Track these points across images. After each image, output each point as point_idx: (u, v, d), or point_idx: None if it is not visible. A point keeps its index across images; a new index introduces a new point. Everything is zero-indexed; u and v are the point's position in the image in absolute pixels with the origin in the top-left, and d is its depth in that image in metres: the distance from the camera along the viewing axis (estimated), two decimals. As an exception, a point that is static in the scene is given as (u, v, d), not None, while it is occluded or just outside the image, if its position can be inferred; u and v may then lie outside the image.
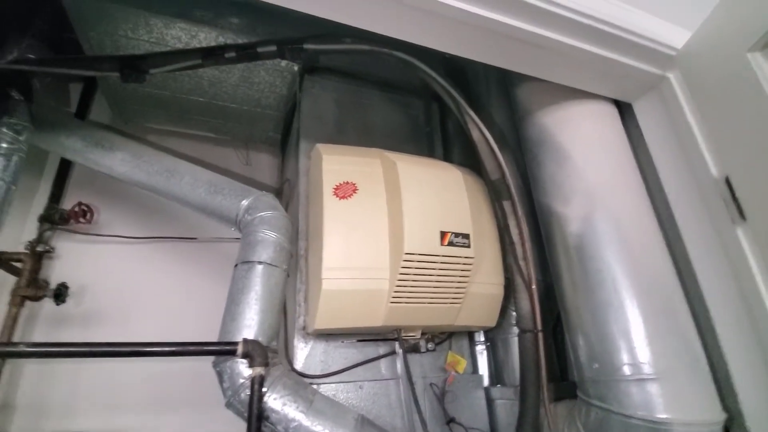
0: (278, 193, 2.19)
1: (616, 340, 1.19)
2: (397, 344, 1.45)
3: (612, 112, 1.50)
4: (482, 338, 1.77)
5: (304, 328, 1.42)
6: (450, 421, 1.44)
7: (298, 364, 1.37)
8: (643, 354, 1.14)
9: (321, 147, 1.45)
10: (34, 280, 1.59)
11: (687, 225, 1.30)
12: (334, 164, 1.36)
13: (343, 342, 1.43)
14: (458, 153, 2.03)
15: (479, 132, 1.49)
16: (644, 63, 1.33)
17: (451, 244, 1.25)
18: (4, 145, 1.43)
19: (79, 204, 1.85)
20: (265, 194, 1.45)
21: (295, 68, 1.86)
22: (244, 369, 1.11)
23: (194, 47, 1.58)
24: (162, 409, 1.84)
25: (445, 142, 2.08)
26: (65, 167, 1.95)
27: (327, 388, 1.37)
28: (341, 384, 1.40)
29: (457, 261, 1.27)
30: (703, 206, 1.25)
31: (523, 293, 1.41)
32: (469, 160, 1.76)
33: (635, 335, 1.16)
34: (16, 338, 1.55)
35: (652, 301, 1.19)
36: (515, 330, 1.64)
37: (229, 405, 1.12)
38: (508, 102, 1.83)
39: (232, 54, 1.44)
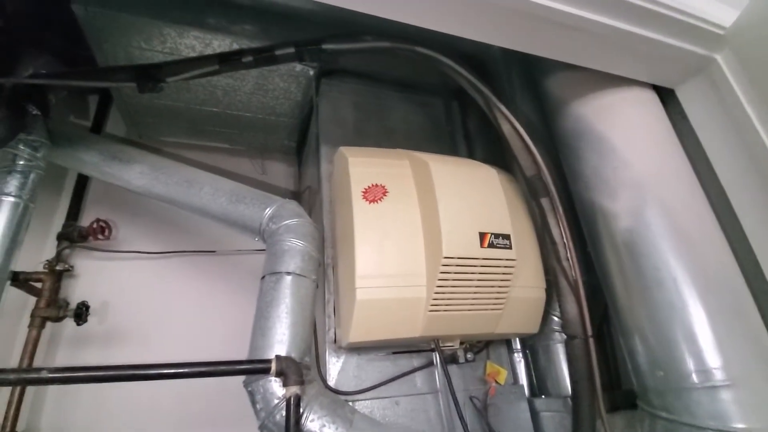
0: (297, 201, 2.14)
1: (680, 344, 1.08)
2: (434, 355, 1.36)
3: (653, 98, 1.41)
4: (519, 346, 1.67)
5: (335, 341, 1.34)
6: (495, 436, 1.34)
7: (331, 380, 1.29)
8: (713, 359, 1.03)
9: (345, 150, 1.38)
10: (54, 300, 1.53)
11: (747, 215, 1.19)
12: (361, 167, 1.29)
13: (377, 355, 1.35)
14: (481, 151, 1.95)
15: (511, 127, 1.41)
16: (690, 44, 1.24)
17: (491, 245, 1.17)
18: (22, 162, 1.39)
19: (97, 220, 1.80)
20: (289, 201, 1.38)
21: (311, 72, 1.81)
22: (277, 388, 1.04)
23: (210, 54, 1.53)
24: (187, 428, 1.77)
25: (468, 141, 2.01)
26: (82, 183, 1.92)
27: (362, 405, 1.28)
28: (377, 400, 1.31)
29: (498, 264, 1.18)
30: (765, 193, 1.15)
31: (568, 296, 1.31)
32: (492, 158, 1.68)
33: (702, 339, 1.05)
34: (38, 361, 1.50)
35: (718, 299, 1.08)
36: (558, 336, 1.54)
37: (263, 428, 1.04)
38: (534, 95, 1.75)
39: (250, 58, 1.39)
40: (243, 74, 1.79)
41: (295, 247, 1.23)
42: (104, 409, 1.67)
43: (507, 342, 1.61)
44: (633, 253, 1.19)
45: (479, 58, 1.90)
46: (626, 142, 1.31)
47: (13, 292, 1.42)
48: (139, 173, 1.43)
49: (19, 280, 1.45)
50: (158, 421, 1.73)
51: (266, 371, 0.99)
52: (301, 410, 1.00)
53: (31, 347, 1.45)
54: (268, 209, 1.33)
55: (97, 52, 1.62)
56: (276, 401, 1.02)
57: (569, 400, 1.41)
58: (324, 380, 1.28)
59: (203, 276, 2.04)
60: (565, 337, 1.52)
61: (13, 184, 1.36)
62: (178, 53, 1.64)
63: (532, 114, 1.73)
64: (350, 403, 1.23)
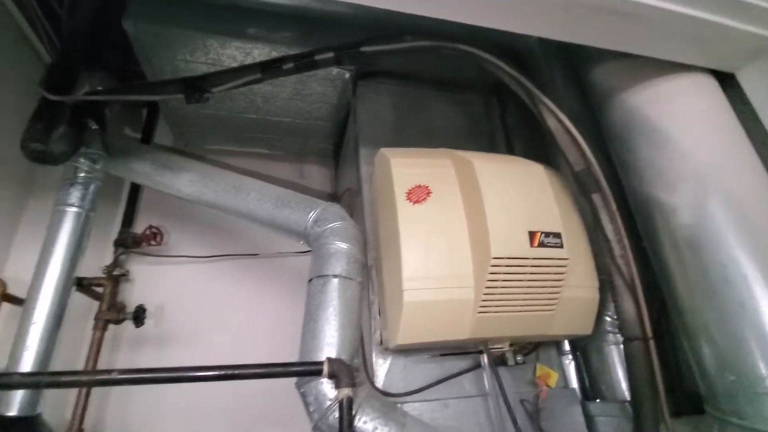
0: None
1: (752, 347, 1.01)
2: (482, 358, 1.33)
3: (711, 83, 1.32)
4: (568, 348, 1.61)
5: (381, 343, 1.34)
6: (549, 441, 1.29)
7: (379, 382, 1.29)
8: (791, 363, 0.95)
9: (387, 151, 1.37)
10: (114, 304, 1.62)
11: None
12: (404, 167, 1.28)
13: (424, 357, 1.33)
14: (522, 148, 1.90)
15: (557, 121, 1.36)
16: (753, 25, 1.15)
17: (542, 245, 1.13)
18: (82, 174, 1.48)
19: (150, 227, 1.90)
20: (332, 204, 1.39)
21: (347, 75, 1.83)
22: (329, 389, 1.05)
23: (253, 62, 1.57)
24: (238, 426, 1.83)
25: (508, 138, 1.95)
26: (135, 192, 2.02)
27: (410, 408, 1.27)
28: (425, 403, 1.29)
29: (549, 263, 1.14)
30: None
31: (624, 296, 1.25)
32: (534, 154, 1.63)
33: (780, 340, 0.97)
34: (102, 361, 1.59)
35: (796, 298, 0.99)
36: (611, 337, 1.48)
37: (316, 429, 1.05)
38: (577, 87, 1.68)
39: (290, 65, 1.41)
40: (281, 81, 1.83)
41: (341, 250, 1.24)
42: (161, 407, 1.75)
43: (556, 344, 1.56)
44: (696, 250, 1.12)
45: (516, 52, 1.85)
46: (684, 131, 1.24)
47: (78, 297, 1.51)
48: (188, 181, 1.49)
49: (83, 286, 1.54)
50: (211, 419, 1.80)
51: (318, 373, 1.00)
52: (354, 412, 1.01)
53: (96, 348, 1.55)
54: (312, 213, 1.35)
55: (146, 67, 1.70)
56: (328, 403, 1.03)
57: (627, 404, 1.35)
58: (372, 382, 1.28)
59: (247, 278, 2.10)
60: (619, 338, 1.46)
61: (75, 195, 1.46)
62: (220, 64, 1.70)
63: (576, 107, 1.66)
64: (399, 405, 1.23)
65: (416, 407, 1.27)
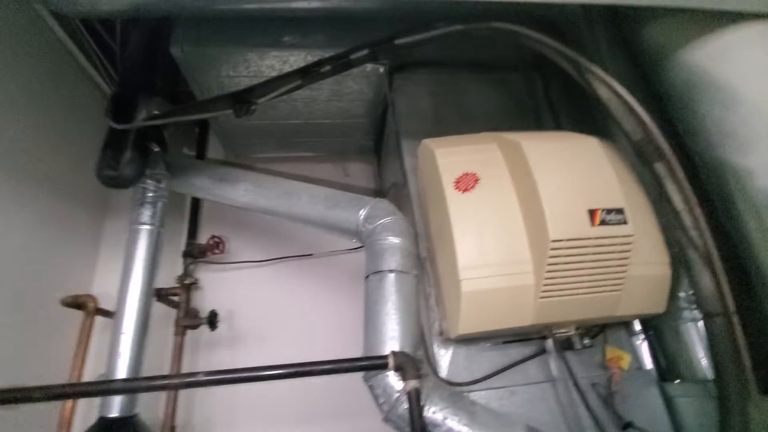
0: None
1: None
2: (547, 343, 1.30)
3: (785, 29, 1.18)
4: (639, 327, 1.52)
5: (441, 333, 1.35)
6: (627, 425, 1.24)
7: (443, 372, 1.30)
8: None
9: (429, 142, 1.37)
10: (189, 311, 1.76)
11: None
12: (449, 157, 1.27)
13: (486, 345, 1.33)
14: (569, 123, 1.81)
15: (609, 90, 1.28)
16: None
17: (603, 222, 1.07)
18: (150, 194, 1.60)
19: (212, 237, 2.03)
20: (381, 200, 1.41)
21: (381, 70, 1.82)
22: (396, 382, 1.07)
23: (292, 70, 1.62)
24: (308, 418, 1.92)
25: (553, 113, 1.87)
26: (195, 205, 2.17)
27: (477, 396, 1.27)
28: (491, 391, 1.29)
29: (613, 242, 1.09)
30: None
31: (700, 269, 1.17)
32: (582, 128, 1.55)
33: None
34: (184, 363, 1.73)
35: None
36: (687, 314, 1.39)
37: (387, 420, 1.08)
38: (624, 52, 1.57)
39: (328, 67, 1.44)
40: (319, 84, 1.87)
41: (394, 245, 1.26)
42: (239, 403, 1.88)
43: (625, 324, 1.49)
44: (782, 214, 1.02)
45: (554, 23, 1.75)
46: (754, 86, 1.12)
47: (158, 307, 1.65)
48: (244, 191, 1.57)
49: (162, 296, 1.69)
50: (283, 412, 1.90)
51: (384, 367, 1.03)
52: (422, 402, 1.02)
53: (178, 352, 1.69)
54: (362, 210, 1.37)
55: (194, 87, 1.81)
56: (396, 395, 1.06)
57: (709, 384, 1.26)
58: (435, 373, 1.29)
59: (304, 278, 2.19)
60: (696, 314, 1.37)
61: (146, 214, 1.58)
62: (261, 75, 1.76)
63: (625, 74, 1.55)
64: (465, 394, 1.23)
65: (482, 395, 1.27)
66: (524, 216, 1.16)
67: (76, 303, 1.48)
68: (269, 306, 2.08)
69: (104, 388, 1.08)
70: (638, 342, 1.49)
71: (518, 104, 1.85)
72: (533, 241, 1.13)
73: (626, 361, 1.36)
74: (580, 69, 1.30)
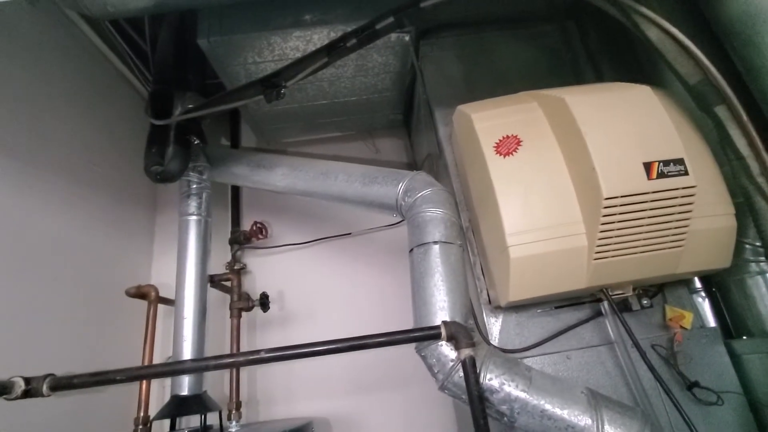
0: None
1: None
2: (602, 306, 1.26)
3: None
4: (700, 284, 1.44)
5: (489, 302, 1.34)
6: (692, 385, 1.20)
7: (494, 340, 1.29)
8: None
9: (465, 108, 1.32)
10: (241, 295, 1.84)
11: None
12: (487, 121, 1.22)
13: (537, 311, 1.30)
14: (611, 73, 1.68)
15: (660, 30, 1.18)
16: None
17: (661, 175, 1.01)
18: (194, 185, 1.66)
19: (255, 223, 2.09)
20: (419, 173, 1.39)
21: (407, 38, 1.76)
22: (449, 351, 1.08)
23: (317, 48, 1.60)
24: (360, 392, 1.99)
25: (593, 64, 1.75)
26: (236, 194, 2.23)
27: (531, 362, 1.26)
28: (546, 356, 1.27)
29: (673, 195, 1.02)
30: None
31: (771, 218, 1.08)
32: (628, 77, 1.43)
33: None
34: (242, 343, 1.83)
35: None
36: (754, 267, 1.30)
37: (443, 388, 1.10)
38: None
39: (354, 41, 1.40)
40: (343, 60, 1.84)
41: (436, 216, 1.24)
42: (295, 380, 1.97)
43: (686, 282, 1.41)
44: None
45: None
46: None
47: (213, 292, 1.74)
48: (281, 175, 1.59)
49: (215, 282, 1.77)
50: (337, 387, 1.98)
51: (437, 337, 1.04)
52: (477, 370, 1.02)
53: (236, 333, 1.78)
54: (400, 184, 1.36)
55: (223, 77, 1.83)
56: (451, 363, 1.06)
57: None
58: (487, 341, 1.29)
59: (344, 256, 2.23)
60: (764, 267, 1.28)
61: (193, 205, 1.65)
62: (286, 57, 1.75)
63: (676, 12, 1.42)
64: (520, 360, 1.22)
65: (536, 361, 1.26)
66: (573, 175, 1.11)
67: (140, 293, 1.59)
68: (315, 285, 2.14)
69: (178, 368, 1.17)
70: (700, 299, 1.42)
71: (554, 58, 1.74)
72: (584, 201, 1.08)
73: (688, 319, 1.30)
74: (627, 11, 1.20)
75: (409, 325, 1.10)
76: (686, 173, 1.01)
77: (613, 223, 1.02)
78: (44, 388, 0.93)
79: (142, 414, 1.41)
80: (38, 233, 1.43)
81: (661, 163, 1.01)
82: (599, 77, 1.70)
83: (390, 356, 1.92)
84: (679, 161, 1.02)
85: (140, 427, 1.37)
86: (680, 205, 1.03)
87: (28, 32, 1.52)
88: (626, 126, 1.06)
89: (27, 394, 0.93)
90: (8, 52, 1.42)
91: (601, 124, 1.05)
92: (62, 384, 0.94)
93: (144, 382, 1.47)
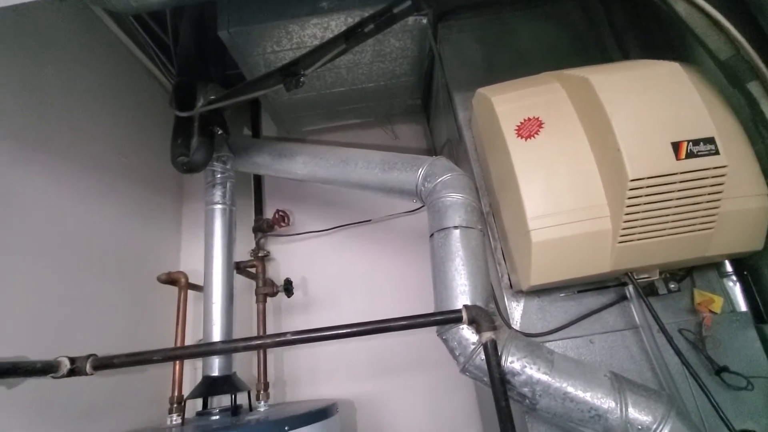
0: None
1: None
2: (627, 290, 1.24)
3: None
4: (731, 268, 1.40)
5: (511, 286, 1.34)
6: (721, 370, 1.17)
7: (516, 324, 1.30)
8: None
9: (485, 90, 1.30)
10: (266, 281, 1.89)
11: None
12: (508, 104, 1.20)
13: (560, 295, 1.29)
14: (638, 51, 1.62)
15: (688, 4, 1.12)
16: None
17: (690, 155, 0.97)
18: (219, 175, 1.71)
19: (277, 211, 2.13)
20: (439, 158, 1.39)
21: (424, 21, 1.74)
22: (470, 335, 1.09)
23: (335, 35, 1.60)
24: (383, 374, 2.04)
25: (619, 42, 1.68)
26: (258, 182, 2.28)
27: (553, 346, 1.26)
28: (568, 340, 1.27)
29: (702, 175, 0.98)
30: None
31: (810, 198, 1.03)
32: (656, 55, 1.38)
33: None
34: (268, 327, 1.89)
35: None
36: (788, 249, 1.25)
37: (464, 371, 1.11)
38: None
39: (371, 26, 1.39)
40: (361, 47, 1.83)
41: (457, 201, 1.24)
42: (319, 362, 2.03)
43: (716, 265, 1.37)
44: None
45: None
46: None
47: (239, 279, 1.80)
48: (302, 163, 1.61)
49: (240, 268, 1.83)
50: (360, 369, 2.03)
51: (459, 320, 1.05)
52: (499, 352, 1.03)
53: (262, 317, 1.84)
54: (420, 170, 1.36)
55: (243, 68, 1.85)
56: (472, 346, 1.08)
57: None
58: (508, 325, 1.29)
59: (365, 243, 2.26)
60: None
61: (218, 194, 1.69)
62: (304, 46, 1.76)
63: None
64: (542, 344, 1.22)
65: (559, 345, 1.26)
66: (597, 157, 1.08)
67: (171, 279, 1.66)
68: (336, 271, 2.18)
69: (210, 348, 1.22)
70: (731, 283, 1.38)
71: (578, 37, 1.69)
72: (609, 183, 1.05)
73: (718, 304, 1.27)
74: (654, -16, 1.15)
75: (430, 310, 1.11)
76: (717, 153, 0.98)
77: (639, 205, 1.00)
78: (87, 367, 1.00)
79: (176, 393, 1.49)
80: (75, 224, 1.50)
81: (691, 143, 0.98)
82: (625, 55, 1.64)
83: (411, 340, 1.96)
84: (710, 140, 0.98)
85: (175, 405, 1.45)
86: (710, 186, 1.00)
87: (57, 30, 1.57)
88: (654, 104, 1.02)
89: (72, 372, 1.00)
90: (40, 51, 1.47)
91: (627, 103, 1.02)
92: (104, 363, 1.00)
93: (177, 363, 1.54)
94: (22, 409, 1.20)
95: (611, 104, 1.02)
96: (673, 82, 1.05)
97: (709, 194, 1.01)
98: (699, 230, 1.05)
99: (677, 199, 1.00)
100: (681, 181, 0.98)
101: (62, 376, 0.99)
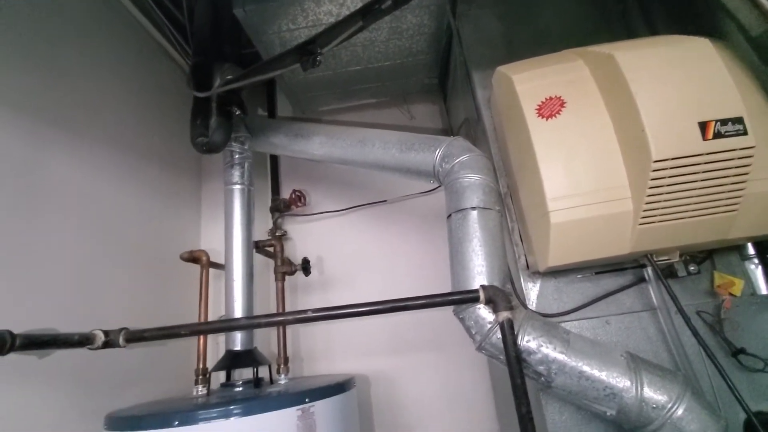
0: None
1: None
2: (645, 271, 1.24)
3: None
4: (753, 250, 1.37)
5: (527, 267, 1.34)
6: (738, 352, 1.17)
7: (532, 305, 1.31)
8: None
9: (505, 68, 1.28)
10: (284, 260, 1.93)
11: None
12: (529, 82, 1.18)
13: (577, 276, 1.30)
14: (666, 26, 1.55)
15: (723, -25, 1.07)
16: None
17: (718, 135, 0.95)
18: (237, 156, 1.72)
19: (294, 191, 2.15)
20: (456, 138, 1.38)
21: (443, -4, 1.70)
22: (487, 314, 1.10)
23: (351, 12, 1.57)
24: (398, 352, 2.08)
25: (646, 16, 1.62)
26: (275, 163, 2.30)
27: (569, 327, 1.27)
28: (584, 321, 1.28)
29: (729, 156, 0.96)
30: None
31: (842, 179, 1.00)
32: (684, 31, 1.32)
33: None
34: (287, 305, 1.95)
35: None
36: (814, 232, 1.22)
37: (480, 349, 1.13)
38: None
39: (388, 2, 1.36)
40: (377, 23, 1.80)
41: (475, 182, 1.24)
42: (336, 339, 2.09)
43: (738, 248, 1.35)
44: None
45: None
46: None
47: (257, 257, 1.84)
48: (319, 144, 1.62)
49: (259, 248, 1.87)
50: (375, 347, 2.08)
51: (476, 300, 1.06)
52: (515, 332, 1.05)
53: (281, 295, 1.89)
54: (438, 150, 1.35)
55: (259, 47, 1.85)
56: (489, 325, 1.09)
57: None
58: (524, 305, 1.30)
59: (380, 223, 2.27)
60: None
61: (236, 174, 1.72)
62: (320, 23, 1.74)
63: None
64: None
65: (575, 326, 1.27)
66: (620, 138, 1.06)
67: (192, 257, 1.70)
68: (352, 251, 2.21)
69: (234, 324, 1.27)
70: (753, 266, 1.36)
71: (602, 12, 1.63)
72: (631, 164, 1.04)
73: (738, 286, 1.25)
74: (687, -46, 1.10)
75: (444, 290, 1.13)
76: (745, 133, 0.95)
77: (662, 186, 0.98)
78: (120, 339, 1.05)
79: (201, 366, 1.55)
80: (99, 203, 1.54)
81: (719, 122, 0.95)
82: (652, 31, 1.57)
83: (425, 318, 1.99)
84: (738, 120, 0.95)
85: (200, 377, 1.52)
86: (736, 167, 0.97)
87: (75, 9, 1.58)
88: (681, 83, 0.99)
89: (106, 344, 1.05)
90: (59, 30, 1.49)
91: (654, 81, 0.99)
92: (135, 336, 1.05)
93: (202, 337, 1.61)
94: (65, 378, 1.28)
95: (636, 82, 0.99)
96: (701, 59, 1.02)
97: (734, 176, 0.98)
98: (722, 212, 1.03)
99: (702, 180, 0.98)
100: (706, 162, 0.96)
101: (97, 348, 1.04)
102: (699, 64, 1.02)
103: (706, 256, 1.31)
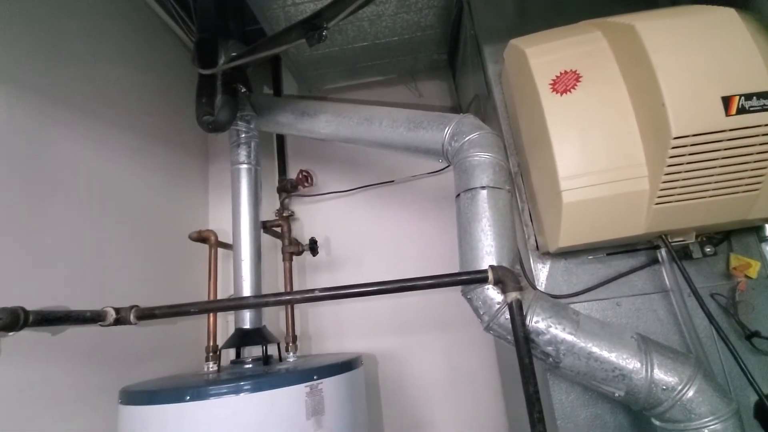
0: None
1: None
2: (659, 252, 1.21)
3: None
4: (771, 232, 1.33)
5: (537, 248, 1.32)
6: (752, 335, 1.15)
7: (541, 286, 1.29)
8: None
9: (518, 42, 1.22)
10: (291, 240, 1.93)
11: None
12: (543, 56, 1.13)
13: (587, 257, 1.27)
14: (690, -5, 1.47)
15: (756, -63, 1.00)
16: None
17: (742, 110, 0.90)
18: (243, 135, 1.71)
19: (300, 171, 2.14)
20: (466, 116, 1.34)
21: (453, -34, 1.62)
22: (495, 294, 1.09)
23: (358, -16, 1.51)
24: (405, 331, 2.10)
25: (669, -15, 1.53)
26: (281, 142, 2.27)
27: (578, 308, 1.25)
28: (594, 302, 1.26)
29: (753, 132, 0.91)
30: None
31: None
32: (710, 1, 1.25)
33: None
34: (294, 285, 1.96)
35: None
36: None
37: (488, 329, 1.13)
38: None
39: (397, -28, 1.31)
40: (385, -4, 1.74)
41: (484, 161, 1.21)
42: (344, 318, 2.11)
43: (756, 229, 1.31)
44: None
45: None
46: None
47: (265, 237, 1.84)
48: (325, 122, 1.59)
49: (267, 228, 1.86)
50: (384, 326, 2.10)
51: (485, 280, 1.05)
52: (524, 312, 1.04)
53: (288, 275, 1.90)
54: (447, 128, 1.32)
55: (264, 23, 1.80)
56: (497, 306, 1.08)
57: None
58: (533, 286, 1.29)
59: (388, 203, 2.26)
60: None
61: (242, 154, 1.70)
62: (325, -4, 1.68)
63: None
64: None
65: (584, 307, 1.25)
66: (638, 113, 1.02)
67: (201, 237, 1.71)
68: (359, 231, 2.20)
69: (243, 302, 1.28)
70: (770, 248, 1.32)
71: (623, -19, 1.54)
72: (649, 141, 1.00)
73: (755, 268, 1.22)
74: None
75: (451, 270, 1.12)
76: (773, 107, 0.90)
77: (681, 165, 0.95)
78: (131, 317, 1.06)
79: (211, 343, 1.58)
80: (106, 182, 1.55)
81: (743, 97, 0.90)
82: (674, 1, 1.49)
83: (431, 298, 2.00)
84: (764, 95, 0.90)
85: (211, 354, 1.54)
86: (761, 144, 0.93)
87: (78, -15, 1.55)
88: (705, 55, 0.94)
89: (117, 321, 1.07)
90: (64, 10, 1.46)
91: (676, 54, 0.94)
92: (145, 314, 1.06)
93: (212, 315, 1.63)
94: (82, 355, 1.32)
95: (658, 54, 0.94)
96: (727, 30, 0.96)
97: (758, 153, 0.94)
98: (743, 192, 0.99)
99: (723, 158, 0.94)
100: (729, 139, 0.92)
101: (109, 325, 1.06)
102: (724, 35, 0.96)
103: (723, 238, 1.27)
